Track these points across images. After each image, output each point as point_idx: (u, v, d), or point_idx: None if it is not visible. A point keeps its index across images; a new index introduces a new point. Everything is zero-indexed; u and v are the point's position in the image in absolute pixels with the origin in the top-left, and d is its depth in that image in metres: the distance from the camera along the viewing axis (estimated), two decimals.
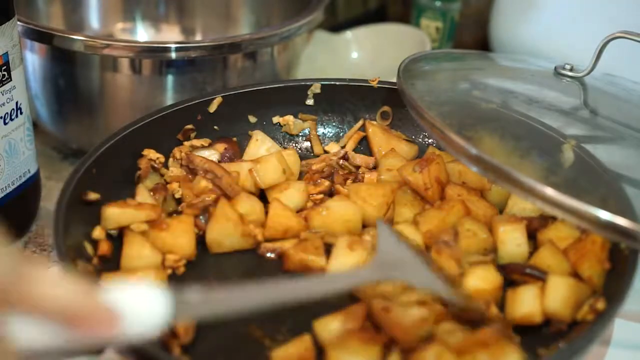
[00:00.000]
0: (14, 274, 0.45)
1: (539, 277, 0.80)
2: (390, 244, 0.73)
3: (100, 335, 0.48)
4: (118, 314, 0.48)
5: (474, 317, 0.74)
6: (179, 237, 0.85)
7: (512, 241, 0.85)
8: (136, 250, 0.82)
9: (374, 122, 1.04)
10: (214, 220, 0.87)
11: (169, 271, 0.84)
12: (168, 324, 0.51)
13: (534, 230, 0.87)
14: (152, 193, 0.91)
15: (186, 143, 0.97)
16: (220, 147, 0.99)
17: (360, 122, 1.05)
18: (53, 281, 0.46)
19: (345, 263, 0.82)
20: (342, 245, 0.84)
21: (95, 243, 0.84)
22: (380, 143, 1.02)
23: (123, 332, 0.48)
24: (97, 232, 0.84)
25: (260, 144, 1.00)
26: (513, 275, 0.82)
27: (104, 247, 0.83)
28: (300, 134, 1.05)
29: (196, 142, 0.97)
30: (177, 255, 0.84)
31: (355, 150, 1.04)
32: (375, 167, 1.00)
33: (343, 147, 1.04)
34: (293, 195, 0.93)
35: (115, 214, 0.85)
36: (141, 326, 0.50)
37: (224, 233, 0.86)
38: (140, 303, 0.50)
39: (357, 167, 1.00)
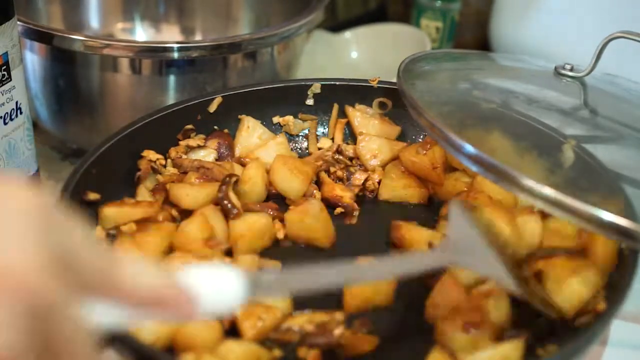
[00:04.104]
0: (100, 259, 0.47)
1: (555, 254, 0.81)
2: (462, 228, 0.72)
3: (179, 317, 0.51)
4: (195, 297, 0.50)
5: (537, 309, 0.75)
6: (158, 243, 0.84)
7: (528, 231, 0.84)
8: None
9: (354, 107, 1.04)
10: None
11: None
12: (245, 302, 0.54)
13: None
14: (152, 193, 0.91)
15: (182, 143, 0.97)
16: (214, 142, 0.99)
17: (336, 108, 1.05)
18: (135, 268, 0.48)
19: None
20: None
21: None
22: (362, 126, 1.02)
23: (200, 312, 0.51)
24: (98, 232, 0.84)
25: (251, 132, 1.00)
26: (533, 267, 0.82)
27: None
28: (300, 134, 1.05)
29: (192, 142, 0.97)
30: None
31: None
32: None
33: (332, 139, 1.04)
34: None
35: (112, 213, 0.85)
36: (218, 305, 0.52)
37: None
38: (216, 284, 0.52)
39: (351, 159, 1.01)
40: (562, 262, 0.80)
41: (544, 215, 0.87)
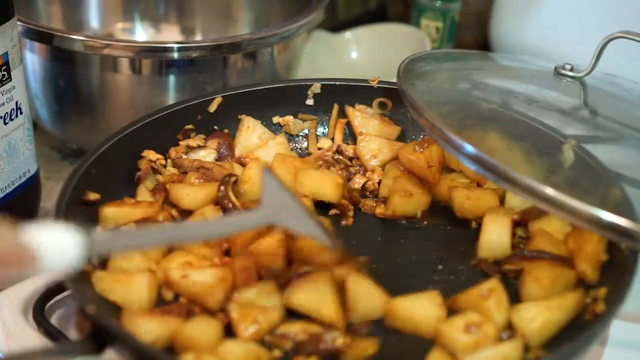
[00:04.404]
0: None
1: (542, 257, 0.81)
2: (274, 192, 0.75)
3: (20, 272, 0.56)
4: (35, 253, 0.54)
5: (345, 259, 0.82)
6: None
7: (494, 232, 0.86)
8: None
9: (354, 107, 1.04)
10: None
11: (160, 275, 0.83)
12: (82, 259, 0.58)
13: (528, 221, 0.88)
14: (152, 193, 0.91)
15: (182, 143, 0.97)
16: (214, 142, 0.99)
17: (336, 109, 1.05)
18: None
19: None
20: None
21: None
22: (362, 126, 1.02)
23: (40, 268, 0.55)
24: None
25: (251, 132, 1.00)
26: (516, 264, 0.83)
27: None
28: (300, 134, 1.05)
29: (192, 142, 0.97)
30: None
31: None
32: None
33: (332, 139, 1.04)
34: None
35: (112, 213, 0.85)
36: (57, 262, 0.56)
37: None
38: (55, 242, 0.56)
39: (351, 159, 1.01)
40: (545, 264, 0.80)
41: (533, 217, 0.88)
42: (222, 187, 0.88)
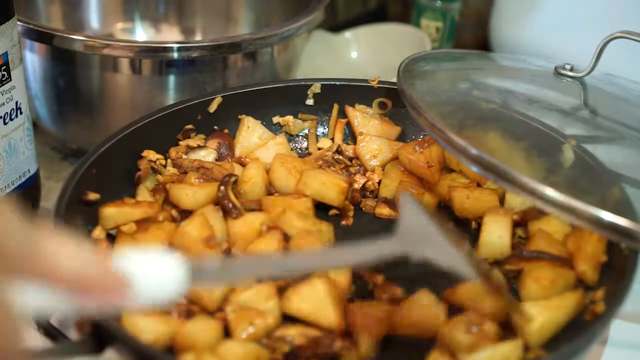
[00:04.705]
0: (26, 241, 0.45)
1: (541, 257, 0.81)
2: (414, 218, 0.66)
3: (111, 303, 0.48)
4: (128, 281, 0.48)
5: (493, 295, 0.72)
6: (158, 243, 0.84)
7: (494, 232, 0.86)
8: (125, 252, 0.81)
9: (354, 107, 1.04)
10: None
11: None
12: (183, 291, 0.51)
13: (528, 221, 0.88)
14: (152, 193, 0.91)
15: (181, 143, 0.97)
16: (214, 142, 0.99)
17: (336, 109, 1.05)
18: (63, 249, 0.46)
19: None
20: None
21: (95, 243, 0.84)
22: (362, 126, 1.03)
23: (134, 299, 0.48)
24: (97, 232, 0.84)
25: (251, 132, 1.01)
26: (515, 265, 0.83)
27: (104, 247, 0.83)
28: (300, 134, 1.05)
29: (192, 142, 0.97)
30: None
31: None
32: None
33: (332, 139, 1.04)
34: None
35: (112, 213, 0.85)
36: (155, 293, 0.50)
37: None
38: (154, 271, 0.49)
39: (351, 159, 1.01)
40: (544, 265, 0.81)
41: (533, 217, 0.88)
42: (222, 187, 0.88)
